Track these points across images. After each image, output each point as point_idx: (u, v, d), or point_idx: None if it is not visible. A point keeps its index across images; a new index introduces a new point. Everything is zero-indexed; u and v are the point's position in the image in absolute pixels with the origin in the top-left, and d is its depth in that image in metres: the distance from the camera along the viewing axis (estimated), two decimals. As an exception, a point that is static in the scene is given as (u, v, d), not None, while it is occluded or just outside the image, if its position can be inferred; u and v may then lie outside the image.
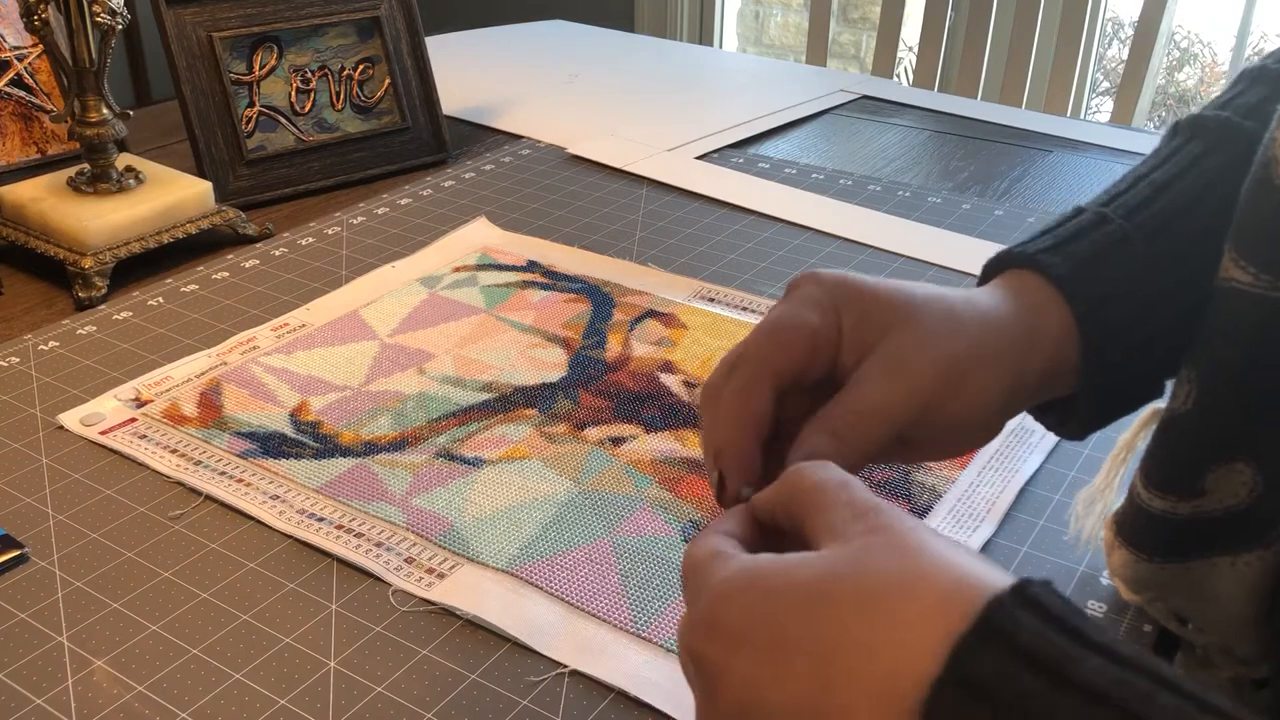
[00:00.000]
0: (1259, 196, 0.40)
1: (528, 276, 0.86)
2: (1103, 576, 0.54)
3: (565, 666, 0.51)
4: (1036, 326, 0.44)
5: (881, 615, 0.30)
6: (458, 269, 0.86)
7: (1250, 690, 0.47)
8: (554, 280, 0.85)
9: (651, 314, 0.80)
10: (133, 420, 0.68)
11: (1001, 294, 0.45)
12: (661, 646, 0.51)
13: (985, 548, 0.58)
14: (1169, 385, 0.46)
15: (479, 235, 0.92)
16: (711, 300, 0.82)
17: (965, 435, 0.44)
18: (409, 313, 0.80)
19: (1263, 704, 0.46)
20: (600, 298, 0.82)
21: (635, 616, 0.53)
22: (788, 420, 0.42)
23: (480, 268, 0.87)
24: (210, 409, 0.69)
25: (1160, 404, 0.47)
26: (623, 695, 0.49)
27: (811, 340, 0.41)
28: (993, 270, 0.47)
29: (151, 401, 0.70)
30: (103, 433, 0.67)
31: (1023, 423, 0.67)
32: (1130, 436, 0.56)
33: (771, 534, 0.38)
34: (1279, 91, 0.48)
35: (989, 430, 0.44)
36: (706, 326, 0.78)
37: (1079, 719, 0.27)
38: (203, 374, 0.72)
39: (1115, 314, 0.44)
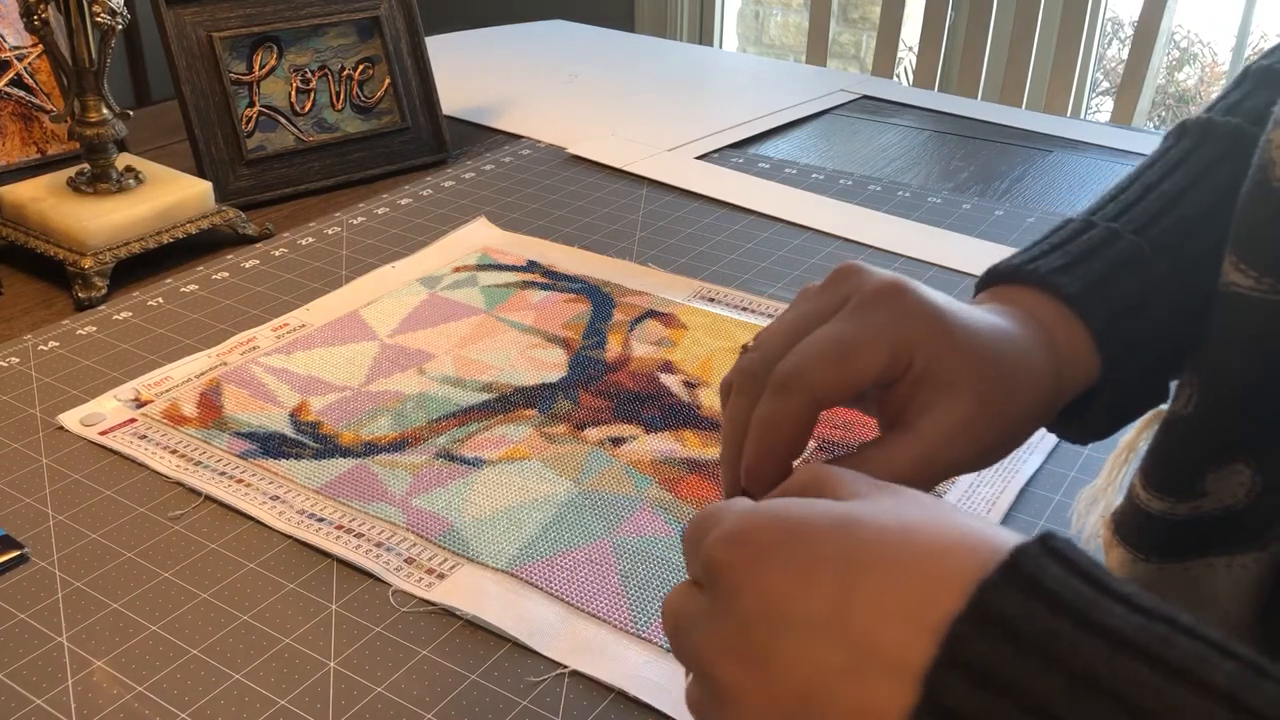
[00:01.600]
0: (1257, 199, 0.39)
1: (528, 277, 0.86)
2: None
3: (565, 666, 0.51)
4: (1057, 350, 0.43)
5: (911, 546, 0.30)
6: (458, 269, 0.86)
7: None
8: (554, 280, 0.85)
9: (651, 314, 0.80)
10: (132, 420, 0.68)
11: (1026, 322, 0.44)
12: (661, 647, 0.51)
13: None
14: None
15: (479, 235, 0.92)
16: (712, 300, 0.82)
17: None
18: (409, 313, 0.80)
19: None
20: (600, 298, 0.82)
21: (635, 617, 0.53)
22: None
23: (480, 268, 0.87)
24: (210, 409, 0.69)
25: (1162, 406, 0.47)
26: (622, 695, 0.49)
27: (876, 377, 0.39)
28: (995, 281, 0.46)
29: (151, 402, 0.70)
30: (103, 433, 0.67)
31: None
32: (1133, 437, 0.56)
33: None
34: None
35: (1002, 455, 0.44)
36: (707, 327, 0.78)
37: (1100, 659, 0.27)
38: (203, 374, 0.72)
39: (1129, 332, 0.44)
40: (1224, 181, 0.46)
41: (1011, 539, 0.30)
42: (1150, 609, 0.28)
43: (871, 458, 0.40)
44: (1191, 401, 0.43)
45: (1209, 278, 0.44)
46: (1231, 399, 0.42)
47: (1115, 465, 0.56)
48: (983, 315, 0.42)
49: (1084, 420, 0.47)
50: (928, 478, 0.40)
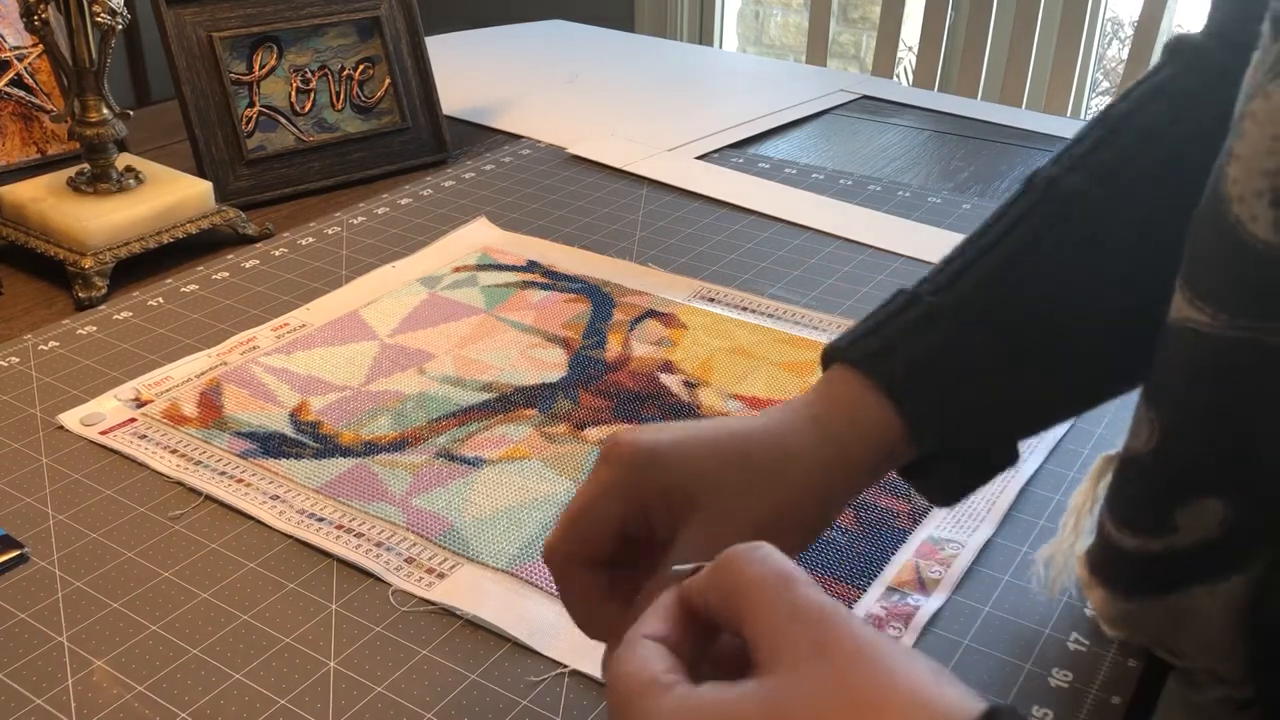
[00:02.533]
0: (1210, 234, 0.38)
1: (528, 276, 0.86)
2: (1087, 608, 0.54)
3: (565, 666, 0.51)
4: (845, 424, 0.45)
5: None
6: (458, 269, 0.86)
7: (1234, 710, 0.47)
8: (554, 280, 0.85)
9: (651, 314, 0.80)
10: (133, 420, 0.68)
11: (794, 412, 0.45)
12: (661, 646, 0.51)
13: (985, 548, 0.58)
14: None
15: (479, 235, 0.92)
16: (712, 300, 0.82)
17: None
18: (409, 313, 0.80)
19: None
20: (600, 298, 0.82)
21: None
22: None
23: (480, 268, 0.87)
24: (210, 409, 0.69)
25: (1112, 450, 0.46)
26: (623, 695, 0.49)
27: (615, 531, 0.42)
28: (823, 362, 0.48)
29: (151, 401, 0.70)
30: (103, 433, 0.67)
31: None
32: (1086, 490, 0.54)
33: (703, 624, 0.35)
34: (1111, 140, 0.48)
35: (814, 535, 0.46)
36: (707, 326, 0.78)
37: None
38: (203, 374, 0.72)
39: (932, 390, 0.45)
40: (1026, 234, 0.47)
41: (945, 710, 0.28)
42: None
43: (651, 594, 0.39)
44: (1153, 439, 0.42)
45: (1025, 333, 0.45)
46: (1197, 435, 0.41)
47: (1074, 519, 0.54)
48: (724, 431, 0.43)
49: (931, 480, 0.47)
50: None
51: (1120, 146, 0.47)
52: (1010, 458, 0.48)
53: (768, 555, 0.33)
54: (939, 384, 0.45)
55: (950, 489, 0.49)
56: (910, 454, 0.46)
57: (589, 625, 0.44)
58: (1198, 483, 0.42)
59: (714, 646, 0.34)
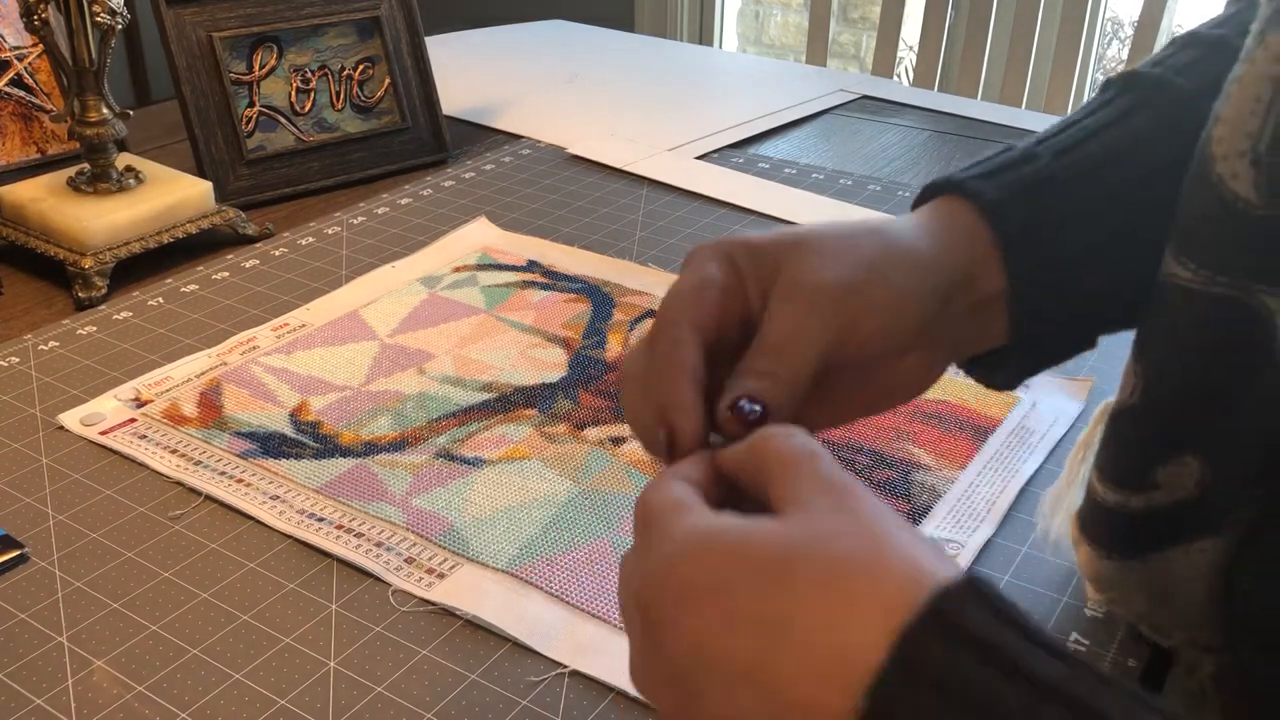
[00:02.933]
0: (1196, 192, 0.40)
1: (528, 276, 0.86)
2: (1087, 609, 0.54)
3: (565, 666, 0.51)
4: (957, 249, 0.43)
5: (837, 594, 0.30)
6: (458, 269, 0.86)
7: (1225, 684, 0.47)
8: (554, 280, 0.85)
9: (652, 314, 0.80)
10: (133, 420, 0.68)
11: (921, 218, 0.44)
12: (661, 646, 0.51)
13: (985, 548, 0.58)
14: (1124, 373, 0.46)
15: (479, 235, 0.92)
16: (711, 300, 0.82)
17: (895, 372, 0.43)
18: (409, 313, 0.80)
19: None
20: (600, 298, 0.82)
21: (635, 616, 0.53)
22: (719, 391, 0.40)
23: (480, 268, 0.87)
24: (210, 409, 0.69)
25: (1110, 399, 0.47)
26: (623, 695, 0.49)
27: (718, 291, 0.40)
28: (921, 201, 0.46)
29: (151, 401, 0.70)
30: (103, 433, 0.67)
31: (1023, 423, 0.67)
32: (1088, 433, 0.56)
33: (732, 489, 0.37)
34: (1211, 55, 0.47)
35: (921, 371, 0.44)
36: (706, 326, 0.78)
37: (1025, 708, 0.27)
38: (203, 374, 0.72)
39: (1040, 243, 0.44)
40: (1142, 125, 0.46)
41: (939, 580, 0.30)
42: (1074, 658, 0.28)
43: (747, 358, 0.39)
44: (1137, 392, 0.43)
45: (1119, 216, 0.44)
46: (1176, 391, 0.43)
47: (1074, 463, 0.56)
48: (828, 233, 0.42)
49: (1002, 352, 0.46)
50: (798, 362, 0.39)
51: (1218, 59, 0.46)
52: (1086, 341, 0.47)
53: (798, 433, 0.36)
54: (1043, 249, 0.44)
55: (1022, 365, 0.47)
56: (990, 301, 0.44)
57: (686, 406, 0.39)
58: (1178, 439, 0.43)
59: (740, 506, 0.35)
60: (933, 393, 0.70)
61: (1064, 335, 0.47)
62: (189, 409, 0.69)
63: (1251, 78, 0.38)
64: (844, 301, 0.40)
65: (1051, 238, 0.44)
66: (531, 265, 0.87)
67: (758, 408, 0.38)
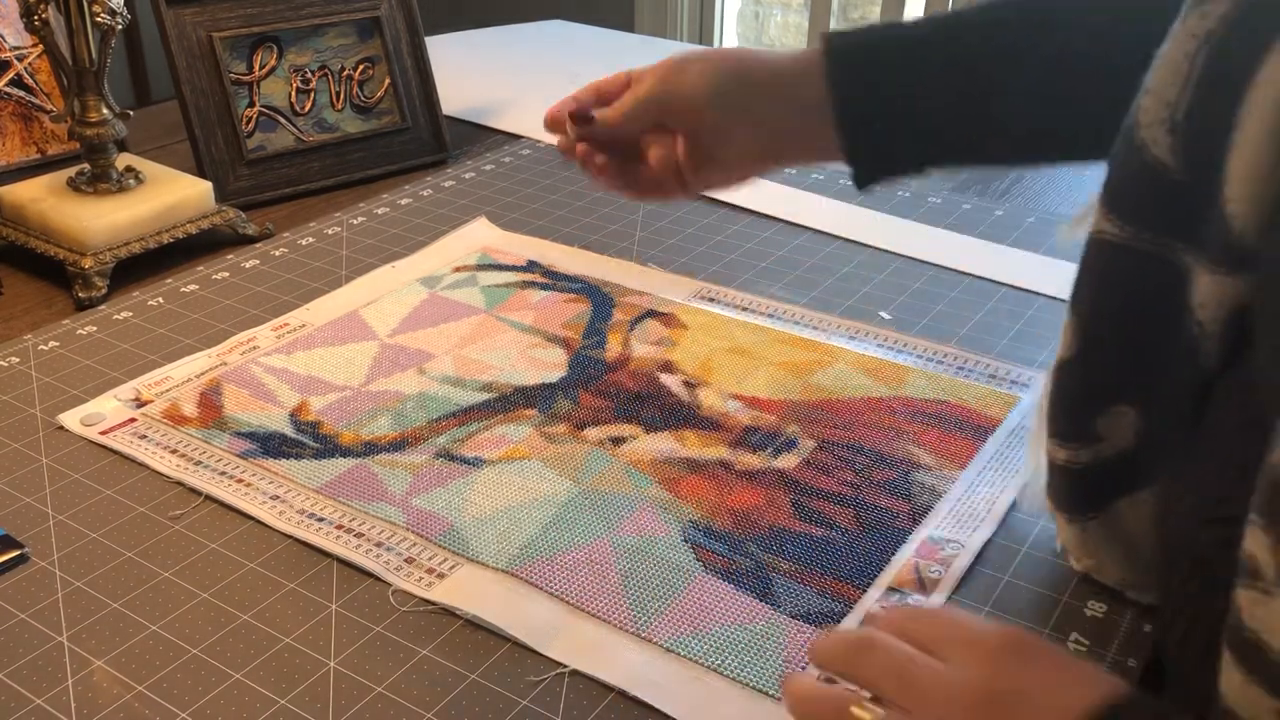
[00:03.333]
0: (1124, 154, 0.43)
1: (528, 277, 0.86)
2: (1086, 607, 0.54)
3: (565, 666, 0.51)
4: (794, 65, 0.59)
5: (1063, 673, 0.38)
6: (458, 269, 0.86)
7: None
8: (554, 280, 0.85)
9: (651, 314, 0.80)
10: (133, 420, 0.68)
11: (802, 61, 0.59)
12: (661, 646, 0.51)
13: (985, 548, 0.58)
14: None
15: (479, 235, 0.92)
16: (711, 300, 0.82)
17: (750, 138, 0.60)
18: (409, 313, 0.80)
19: None
20: (600, 298, 0.82)
21: (635, 616, 0.53)
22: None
23: (480, 268, 0.87)
24: (210, 409, 0.69)
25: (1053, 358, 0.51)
26: (622, 695, 0.49)
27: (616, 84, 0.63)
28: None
29: (151, 402, 0.70)
30: (103, 433, 0.67)
31: (1023, 422, 0.67)
32: (1041, 396, 0.57)
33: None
34: None
35: (763, 139, 0.61)
36: (706, 326, 0.78)
37: None
38: (203, 374, 0.72)
39: (870, 69, 0.57)
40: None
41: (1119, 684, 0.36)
42: None
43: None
44: (1074, 345, 0.47)
45: (971, 74, 0.56)
46: (1108, 342, 0.46)
47: (1033, 444, 0.57)
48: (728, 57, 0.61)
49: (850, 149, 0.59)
50: (616, 111, 0.62)
51: None
52: (924, 159, 0.59)
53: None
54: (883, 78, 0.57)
55: (868, 169, 0.59)
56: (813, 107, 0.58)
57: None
58: (1113, 389, 0.47)
59: None
60: (933, 393, 0.70)
61: (887, 153, 0.59)
62: (189, 409, 0.69)
63: (1173, 52, 0.41)
64: (668, 74, 0.60)
65: (883, 62, 0.57)
66: (531, 265, 0.87)
67: (590, 115, 0.63)
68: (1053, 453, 0.50)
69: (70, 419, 0.68)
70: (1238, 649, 0.35)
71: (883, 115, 0.57)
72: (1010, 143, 0.58)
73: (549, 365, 0.74)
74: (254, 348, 0.76)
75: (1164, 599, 0.47)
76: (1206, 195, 0.40)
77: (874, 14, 2.60)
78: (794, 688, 0.42)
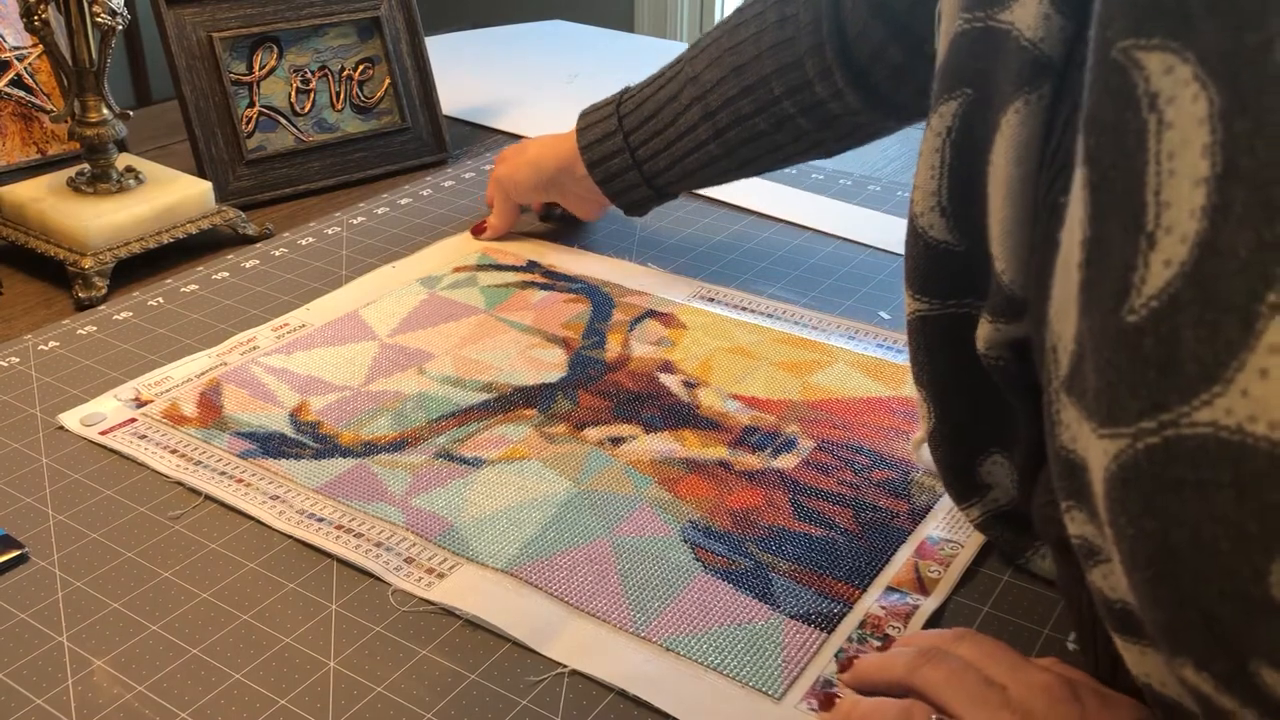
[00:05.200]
0: (913, 243, 0.49)
1: (527, 277, 0.86)
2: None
3: (565, 666, 0.51)
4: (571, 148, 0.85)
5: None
6: (458, 269, 0.86)
7: None
8: (554, 280, 0.85)
9: (651, 314, 0.80)
10: (133, 420, 0.68)
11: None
12: (660, 646, 0.52)
13: (984, 549, 0.58)
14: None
15: (472, 240, 0.92)
16: (711, 300, 0.82)
17: (575, 199, 0.89)
18: (409, 313, 0.80)
19: None
20: (600, 298, 0.82)
21: (634, 616, 0.53)
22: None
23: (480, 268, 0.87)
24: (210, 409, 0.69)
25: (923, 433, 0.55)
26: (622, 695, 0.49)
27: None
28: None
29: (151, 402, 0.70)
30: (103, 433, 0.67)
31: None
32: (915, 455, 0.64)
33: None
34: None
35: (585, 202, 0.89)
36: (706, 326, 0.78)
37: None
38: (203, 374, 0.72)
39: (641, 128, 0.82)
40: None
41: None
42: None
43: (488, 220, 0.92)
44: (932, 415, 0.52)
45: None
46: (956, 403, 0.51)
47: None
48: (523, 152, 0.91)
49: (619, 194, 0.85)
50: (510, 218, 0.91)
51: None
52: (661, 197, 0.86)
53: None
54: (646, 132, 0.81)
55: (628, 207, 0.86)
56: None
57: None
58: (979, 441, 0.51)
59: None
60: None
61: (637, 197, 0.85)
62: (189, 409, 0.69)
63: (926, 149, 0.47)
64: (508, 187, 0.90)
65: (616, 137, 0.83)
66: (531, 265, 0.87)
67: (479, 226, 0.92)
68: (966, 516, 0.55)
69: (70, 419, 0.68)
70: (1117, 626, 0.37)
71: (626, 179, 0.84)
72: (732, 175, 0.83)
73: (549, 365, 0.74)
74: (254, 348, 0.76)
75: (1074, 620, 0.50)
76: (982, 259, 0.46)
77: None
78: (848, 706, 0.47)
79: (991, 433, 0.51)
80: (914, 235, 0.49)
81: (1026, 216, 0.42)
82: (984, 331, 0.46)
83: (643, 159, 0.82)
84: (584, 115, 0.85)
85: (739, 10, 0.78)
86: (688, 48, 0.81)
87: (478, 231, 0.91)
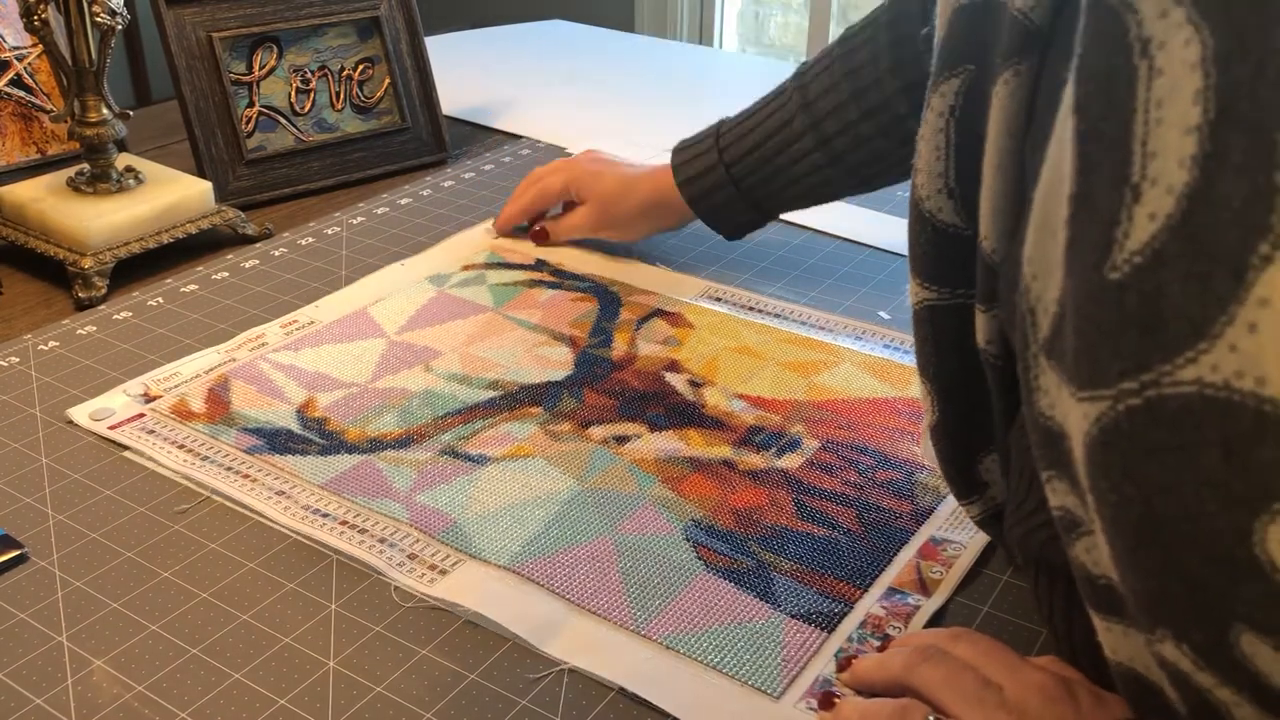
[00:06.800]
0: (919, 229, 0.48)
1: (535, 275, 0.85)
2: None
3: (565, 664, 0.50)
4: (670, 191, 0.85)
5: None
6: (466, 267, 0.86)
7: None
8: (561, 279, 0.85)
9: (658, 313, 0.80)
10: (141, 415, 0.68)
11: (653, 171, 0.87)
12: (661, 644, 0.51)
13: (987, 549, 0.58)
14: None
15: (488, 234, 0.92)
16: (719, 300, 0.82)
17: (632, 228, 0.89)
18: (417, 310, 0.80)
19: None
20: (607, 297, 0.82)
21: (636, 614, 0.53)
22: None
23: (489, 266, 0.87)
24: (218, 405, 0.69)
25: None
26: (622, 693, 0.49)
27: (557, 193, 0.90)
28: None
29: (160, 397, 0.69)
30: (111, 427, 0.66)
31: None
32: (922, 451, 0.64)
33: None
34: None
35: (661, 226, 0.88)
36: (713, 326, 0.78)
37: None
38: (211, 370, 0.72)
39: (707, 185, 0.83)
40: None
41: None
42: None
43: (559, 222, 0.90)
44: (935, 410, 0.51)
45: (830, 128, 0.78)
46: (959, 397, 0.50)
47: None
48: (614, 168, 0.89)
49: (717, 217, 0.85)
50: (590, 232, 0.89)
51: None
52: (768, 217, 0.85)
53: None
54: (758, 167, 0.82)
55: (725, 222, 0.85)
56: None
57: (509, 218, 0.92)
58: (979, 439, 0.50)
59: None
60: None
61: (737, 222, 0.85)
62: (197, 405, 0.69)
63: (928, 131, 0.46)
64: (607, 216, 0.88)
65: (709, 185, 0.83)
66: (539, 264, 0.87)
67: (542, 231, 0.91)
68: (966, 513, 0.54)
69: (79, 413, 0.68)
70: (1097, 603, 0.37)
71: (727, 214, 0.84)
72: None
73: (555, 363, 0.74)
74: (262, 344, 0.75)
75: (1042, 614, 0.50)
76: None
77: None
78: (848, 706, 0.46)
79: (986, 431, 0.50)
80: (920, 221, 0.47)
81: (1013, 189, 0.41)
82: (981, 322, 0.45)
83: (749, 188, 0.81)
84: (678, 151, 0.84)
85: (843, 40, 0.78)
86: (791, 76, 0.82)
87: (539, 237, 0.90)
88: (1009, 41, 0.40)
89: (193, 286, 0.84)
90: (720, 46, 2.75)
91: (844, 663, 0.50)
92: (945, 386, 0.50)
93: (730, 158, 0.81)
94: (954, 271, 0.47)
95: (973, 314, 0.47)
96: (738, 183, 0.81)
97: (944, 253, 0.47)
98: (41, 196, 0.87)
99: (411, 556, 0.57)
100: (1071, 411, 0.33)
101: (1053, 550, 0.42)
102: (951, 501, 0.61)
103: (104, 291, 0.82)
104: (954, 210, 0.46)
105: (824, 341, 0.76)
